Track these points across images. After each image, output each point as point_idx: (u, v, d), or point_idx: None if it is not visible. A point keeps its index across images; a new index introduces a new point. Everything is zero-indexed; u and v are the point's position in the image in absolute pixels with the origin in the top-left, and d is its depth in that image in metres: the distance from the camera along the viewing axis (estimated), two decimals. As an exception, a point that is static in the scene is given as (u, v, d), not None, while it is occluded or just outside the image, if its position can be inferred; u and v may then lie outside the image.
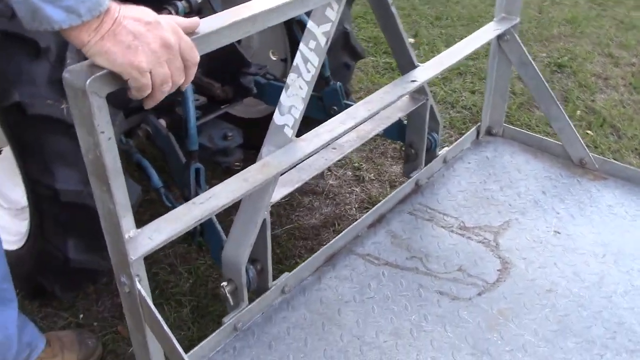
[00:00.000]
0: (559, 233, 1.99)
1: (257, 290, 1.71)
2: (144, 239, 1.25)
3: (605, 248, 1.92)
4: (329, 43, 1.56)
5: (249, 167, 1.49)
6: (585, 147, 2.26)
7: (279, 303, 1.75)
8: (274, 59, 2.65)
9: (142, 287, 1.26)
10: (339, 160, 2.78)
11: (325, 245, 1.88)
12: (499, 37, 2.24)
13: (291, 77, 1.58)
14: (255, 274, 1.67)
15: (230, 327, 1.63)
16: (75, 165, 1.72)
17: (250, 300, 1.68)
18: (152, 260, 2.31)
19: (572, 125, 2.27)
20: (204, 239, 1.88)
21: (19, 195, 2.07)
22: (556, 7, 4.59)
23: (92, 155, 1.12)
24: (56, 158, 1.74)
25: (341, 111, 1.76)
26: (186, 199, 1.89)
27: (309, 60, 1.57)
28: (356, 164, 2.91)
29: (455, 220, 2.05)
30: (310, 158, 1.79)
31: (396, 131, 2.23)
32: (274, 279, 1.74)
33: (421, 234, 1.99)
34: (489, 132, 2.46)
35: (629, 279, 1.81)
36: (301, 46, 1.58)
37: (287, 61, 2.57)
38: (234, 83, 2.26)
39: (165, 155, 2.04)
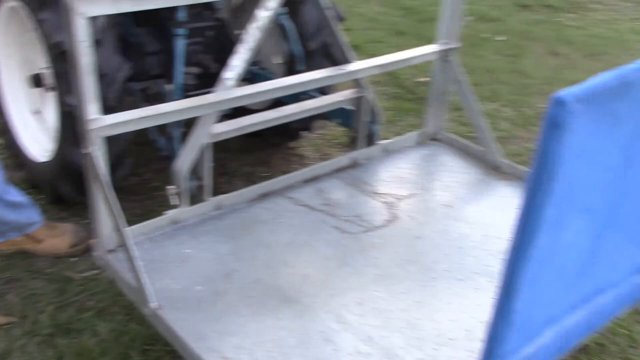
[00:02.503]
0: (450, 207, 2.49)
1: (199, 201, 2.32)
2: (102, 120, 1.91)
3: (480, 220, 2.41)
4: (266, 25, 2.21)
5: (192, 98, 2.14)
6: (500, 154, 2.75)
7: (212, 214, 2.35)
8: (277, 62, 3.32)
9: (95, 153, 1.90)
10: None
11: (263, 184, 2.48)
12: (442, 57, 2.80)
13: (240, 48, 2.23)
14: (196, 187, 2.29)
15: (169, 220, 2.25)
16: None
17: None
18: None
19: (492, 137, 2.78)
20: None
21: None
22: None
23: (75, 61, 1.80)
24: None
25: None
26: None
27: (252, 35, 2.22)
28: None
29: (371, 187, 2.59)
30: (256, 115, 2.43)
31: (346, 118, 2.81)
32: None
33: (340, 192, 2.55)
34: (432, 137, 3.00)
35: (484, 240, 2.28)
36: (250, 26, 2.23)
37: (285, 64, 3.23)
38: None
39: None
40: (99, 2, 1.78)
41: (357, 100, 2.67)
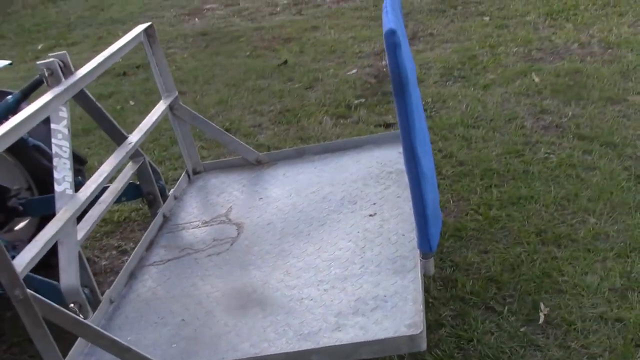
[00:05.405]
0: (262, 198, 3.10)
1: (95, 304, 2.46)
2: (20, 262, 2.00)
3: (289, 194, 3.07)
4: (70, 131, 2.47)
5: (51, 221, 2.29)
6: (256, 151, 3.44)
7: (111, 309, 2.51)
8: (23, 187, 3.37)
9: (29, 296, 1.98)
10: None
11: (124, 266, 2.70)
12: (171, 109, 3.33)
13: (55, 160, 2.43)
14: (90, 293, 2.43)
15: (88, 331, 2.36)
16: None
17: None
18: None
19: (241, 141, 3.45)
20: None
21: None
22: (209, 95, 5.94)
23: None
24: None
25: None
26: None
27: (62, 145, 2.45)
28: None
29: (199, 222, 3.02)
30: (91, 211, 2.63)
31: (134, 192, 3.15)
32: (102, 294, 2.51)
33: (180, 239, 2.92)
34: (195, 172, 3.51)
35: (310, 200, 2.96)
36: (53, 140, 2.45)
37: (32, 188, 3.32)
38: (3, 208, 2.96)
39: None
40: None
41: (141, 167, 3.04)
